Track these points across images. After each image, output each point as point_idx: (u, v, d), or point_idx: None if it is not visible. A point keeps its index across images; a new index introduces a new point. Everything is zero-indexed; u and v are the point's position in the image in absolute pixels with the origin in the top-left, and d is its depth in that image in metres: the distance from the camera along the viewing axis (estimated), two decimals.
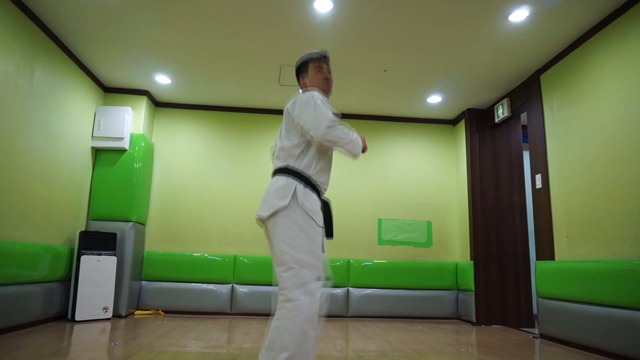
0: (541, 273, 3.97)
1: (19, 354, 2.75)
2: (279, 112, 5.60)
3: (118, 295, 4.61)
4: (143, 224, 5.17)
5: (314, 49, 2.30)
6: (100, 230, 4.67)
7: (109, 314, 4.41)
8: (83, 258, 4.30)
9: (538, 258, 4.26)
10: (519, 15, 3.55)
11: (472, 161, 5.40)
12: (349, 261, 5.39)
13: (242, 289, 5.17)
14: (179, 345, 3.23)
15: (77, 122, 4.56)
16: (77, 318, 4.16)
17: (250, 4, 3.53)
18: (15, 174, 3.58)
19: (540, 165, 4.30)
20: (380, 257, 5.55)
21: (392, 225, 5.66)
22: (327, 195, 2.12)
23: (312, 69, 2.19)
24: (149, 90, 5.30)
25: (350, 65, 4.52)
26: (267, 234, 1.99)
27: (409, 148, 5.93)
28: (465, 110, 5.59)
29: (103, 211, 4.82)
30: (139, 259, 5.04)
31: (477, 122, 5.51)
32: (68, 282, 4.35)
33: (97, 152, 4.98)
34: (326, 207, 2.03)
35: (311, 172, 1.98)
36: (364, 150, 2.06)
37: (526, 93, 4.64)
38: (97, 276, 4.37)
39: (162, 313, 5.05)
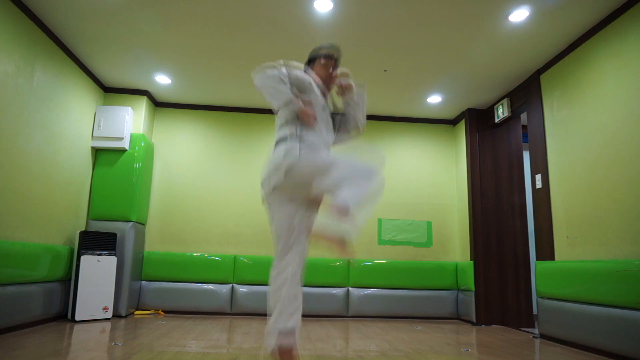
0: (541, 273, 3.97)
1: (19, 354, 2.75)
2: None
3: (118, 295, 4.61)
4: (143, 224, 5.17)
5: (324, 43, 2.55)
6: (100, 230, 4.67)
7: (109, 314, 4.41)
8: (83, 258, 4.30)
9: (538, 258, 4.26)
10: (519, 15, 3.55)
11: (472, 161, 5.40)
12: (349, 261, 5.39)
13: (242, 289, 5.17)
14: (179, 345, 3.23)
15: (77, 122, 4.56)
16: (77, 318, 4.16)
17: (250, 4, 3.53)
18: (15, 174, 3.58)
19: (540, 165, 4.30)
20: (380, 257, 5.54)
21: (392, 225, 5.66)
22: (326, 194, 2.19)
23: (317, 65, 2.50)
24: (149, 90, 5.30)
25: (350, 65, 4.45)
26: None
27: (409, 148, 5.92)
28: (465, 110, 5.59)
29: (103, 211, 4.82)
30: (139, 259, 5.04)
31: (477, 122, 5.51)
32: (68, 282, 4.35)
33: (97, 152, 4.98)
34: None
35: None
36: (304, 116, 2.18)
37: (526, 93, 4.64)
38: (97, 276, 4.37)
39: (162, 313, 5.05)
